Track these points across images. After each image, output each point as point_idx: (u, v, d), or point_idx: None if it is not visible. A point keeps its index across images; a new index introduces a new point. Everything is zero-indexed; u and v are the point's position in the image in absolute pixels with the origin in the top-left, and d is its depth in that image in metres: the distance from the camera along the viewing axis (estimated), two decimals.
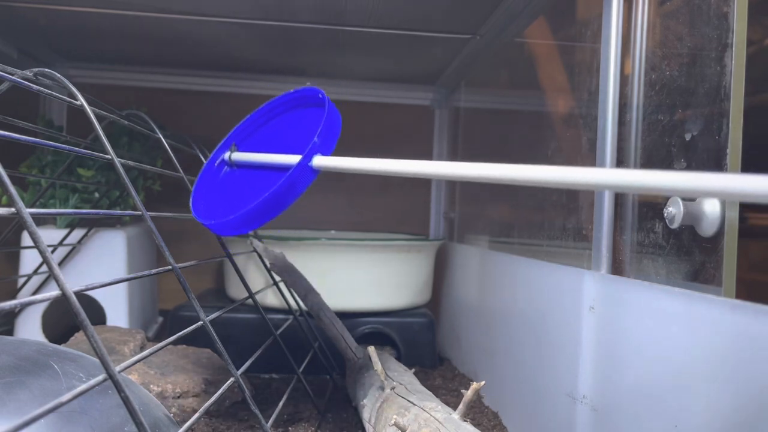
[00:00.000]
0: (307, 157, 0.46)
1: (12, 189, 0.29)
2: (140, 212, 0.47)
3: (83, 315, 0.30)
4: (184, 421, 0.40)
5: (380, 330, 0.92)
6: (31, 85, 0.38)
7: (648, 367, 0.43)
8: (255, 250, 0.77)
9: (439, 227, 1.29)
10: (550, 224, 0.66)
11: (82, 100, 0.44)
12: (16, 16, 0.88)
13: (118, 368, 0.32)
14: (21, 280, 0.90)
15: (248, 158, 0.53)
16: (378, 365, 0.58)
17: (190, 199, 0.53)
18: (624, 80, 0.52)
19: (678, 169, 0.45)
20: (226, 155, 0.55)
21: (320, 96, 0.51)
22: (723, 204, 0.39)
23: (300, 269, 0.79)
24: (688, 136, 0.44)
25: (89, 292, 0.88)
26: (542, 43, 0.75)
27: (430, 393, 0.57)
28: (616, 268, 0.52)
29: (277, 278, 0.78)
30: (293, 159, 0.47)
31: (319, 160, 0.46)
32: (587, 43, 0.59)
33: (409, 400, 0.52)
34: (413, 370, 0.70)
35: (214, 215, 0.51)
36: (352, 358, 0.75)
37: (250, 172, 0.54)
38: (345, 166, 0.44)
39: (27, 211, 0.29)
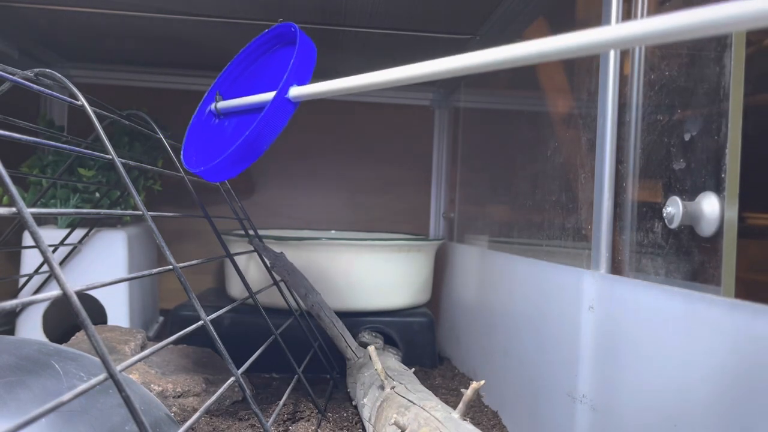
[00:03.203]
0: (283, 90, 0.46)
1: (13, 189, 0.29)
2: (141, 212, 0.47)
3: (84, 314, 0.30)
4: (185, 421, 0.40)
5: (380, 330, 0.92)
6: (32, 85, 0.38)
7: (647, 366, 0.43)
8: (255, 250, 0.77)
9: (438, 227, 1.29)
10: (550, 224, 0.66)
11: (82, 100, 0.44)
12: (16, 16, 0.88)
13: (118, 368, 0.32)
14: (22, 280, 0.91)
15: (232, 104, 0.54)
16: (378, 364, 0.58)
17: (181, 152, 0.54)
18: (623, 80, 0.52)
19: (677, 167, 0.45)
20: (212, 106, 0.55)
21: (293, 30, 0.50)
22: (722, 204, 0.40)
23: (300, 269, 0.79)
24: (687, 136, 0.44)
25: (90, 292, 0.88)
26: None
27: (430, 392, 0.57)
28: (616, 267, 0.52)
29: (278, 278, 0.78)
30: (271, 95, 0.47)
31: (295, 90, 0.46)
32: None
33: (409, 400, 0.52)
34: (413, 369, 0.70)
35: (206, 164, 0.50)
36: (353, 358, 0.75)
37: (238, 118, 0.54)
38: (322, 90, 0.44)
39: (28, 211, 0.30)
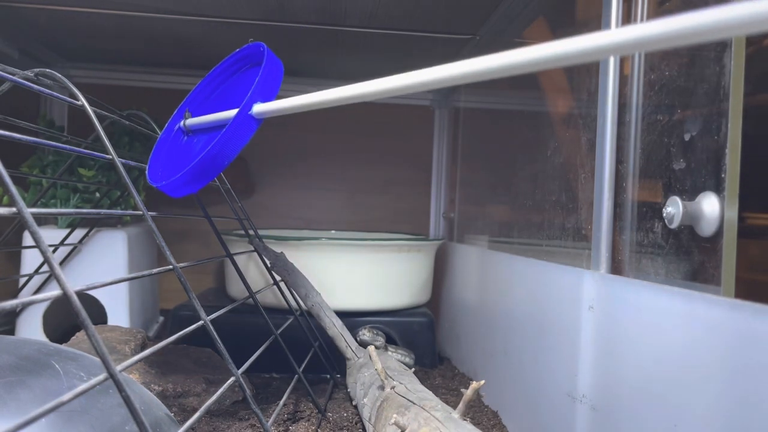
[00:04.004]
0: (246, 107, 0.47)
1: (13, 189, 0.29)
2: (141, 212, 0.47)
3: (84, 314, 0.30)
4: (185, 421, 0.40)
5: (380, 329, 0.93)
6: (32, 85, 0.38)
7: (647, 366, 0.43)
8: (255, 250, 0.77)
9: (438, 227, 1.29)
10: (550, 224, 0.66)
11: (83, 100, 0.44)
12: (16, 16, 0.88)
13: (118, 367, 0.32)
14: (22, 280, 0.91)
15: (199, 121, 0.54)
16: (378, 364, 0.58)
17: (147, 168, 0.54)
18: (623, 80, 0.52)
19: (677, 167, 0.45)
20: (181, 123, 0.56)
21: (261, 50, 0.51)
22: (722, 204, 0.40)
23: (300, 269, 0.79)
24: (687, 136, 0.44)
25: (90, 292, 0.88)
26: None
27: (430, 392, 0.57)
28: (616, 267, 0.52)
29: (278, 278, 0.78)
30: (235, 112, 0.48)
31: (259, 107, 0.47)
32: None
33: (408, 399, 0.52)
34: (413, 369, 0.70)
35: (169, 178, 0.51)
36: (353, 357, 0.75)
37: (206, 135, 0.55)
38: (285, 106, 0.44)
39: (28, 211, 0.30)
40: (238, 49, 0.55)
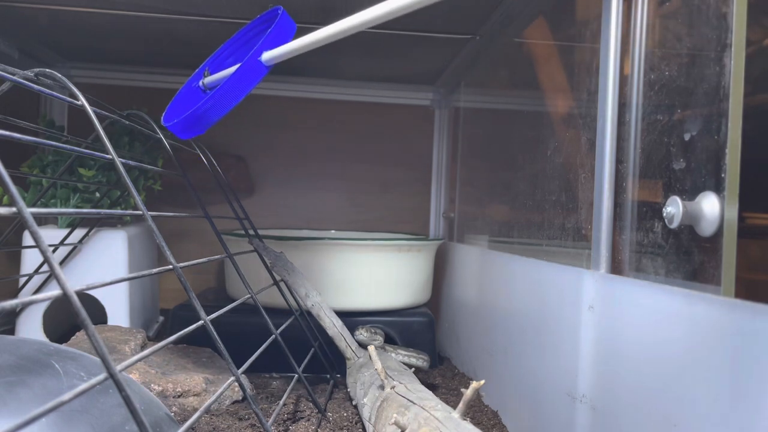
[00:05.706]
0: (256, 54, 0.51)
1: (13, 188, 0.29)
2: (141, 212, 0.47)
3: (84, 314, 0.30)
4: (185, 420, 0.40)
5: (380, 329, 0.92)
6: (33, 85, 0.38)
7: (647, 366, 0.43)
8: (256, 250, 0.77)
9: (438, 227, 1.29)
10: (550, 224, 0.66)
11: (83, 100, 0.44)
12: (17, 16, 0.88)
13: (118, 367, 0.32)
14: (22, 280, 0.91)
15: (216, 77, 0.58)
16: (378, 364, 0.58)
17: (162, 115, 0.58)
18: (623, 80, 0.52)
19: (677, 167, 0.45)
20: (200, 81, 0.60)
21: (279, 12, 0.56)
22: (722, 204, 0.40)
23: (300, 269, 0.79)
24: (687, 136, 0.44)
25: (90, 292, 0.88)
26: (542, 44, 0.75)
27: (430, 392, 0.57)
28: (616, 267, 0.52)
29: (278, 278, 0.78)
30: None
31: (268, 54, 0.51)
32: (587, 43, 0.59)
33: (409, 399, 0.52)
34: (413, 369, 0.70)
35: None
36: (353, 357, 0.75)
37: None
38: (291, 48, 0.48)
39: (28, 211, 0.30)
40: (259, 15, 0.59)
